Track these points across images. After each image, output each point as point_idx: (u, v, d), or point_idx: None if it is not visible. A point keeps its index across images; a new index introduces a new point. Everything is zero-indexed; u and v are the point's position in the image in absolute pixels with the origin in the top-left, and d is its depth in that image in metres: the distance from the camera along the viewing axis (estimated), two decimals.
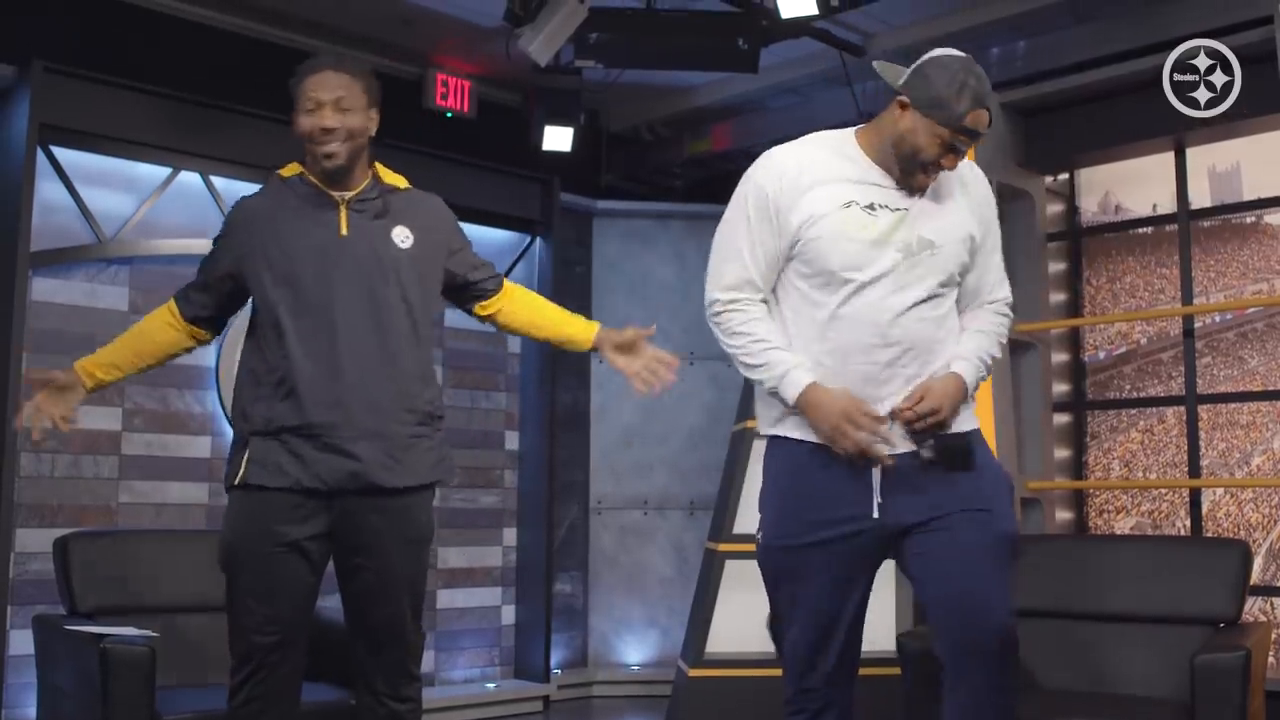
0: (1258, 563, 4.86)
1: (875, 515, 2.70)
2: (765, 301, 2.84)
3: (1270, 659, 4.47)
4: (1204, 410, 5.18)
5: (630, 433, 6.80)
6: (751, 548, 5.98)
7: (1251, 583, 3.87)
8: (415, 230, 2.98)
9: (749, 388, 5.95)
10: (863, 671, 5.72)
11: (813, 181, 2.73)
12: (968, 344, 2.72)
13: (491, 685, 6.11)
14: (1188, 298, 5.23)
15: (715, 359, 6.88)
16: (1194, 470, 5.14)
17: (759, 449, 5.74)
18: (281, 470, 2.78)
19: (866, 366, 2.65)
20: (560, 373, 6.50)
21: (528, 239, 6.42)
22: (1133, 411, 5.39)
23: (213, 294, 2.98)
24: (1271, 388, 5.03)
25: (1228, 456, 5.12)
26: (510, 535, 6.37)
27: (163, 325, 2.99)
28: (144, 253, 5.11)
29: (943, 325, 2.71)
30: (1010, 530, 2.70)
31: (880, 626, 5.41)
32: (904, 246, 2.64)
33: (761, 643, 5.69)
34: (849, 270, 2.64)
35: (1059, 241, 5.67)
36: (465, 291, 3.17)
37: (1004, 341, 2.81)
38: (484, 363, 6.32)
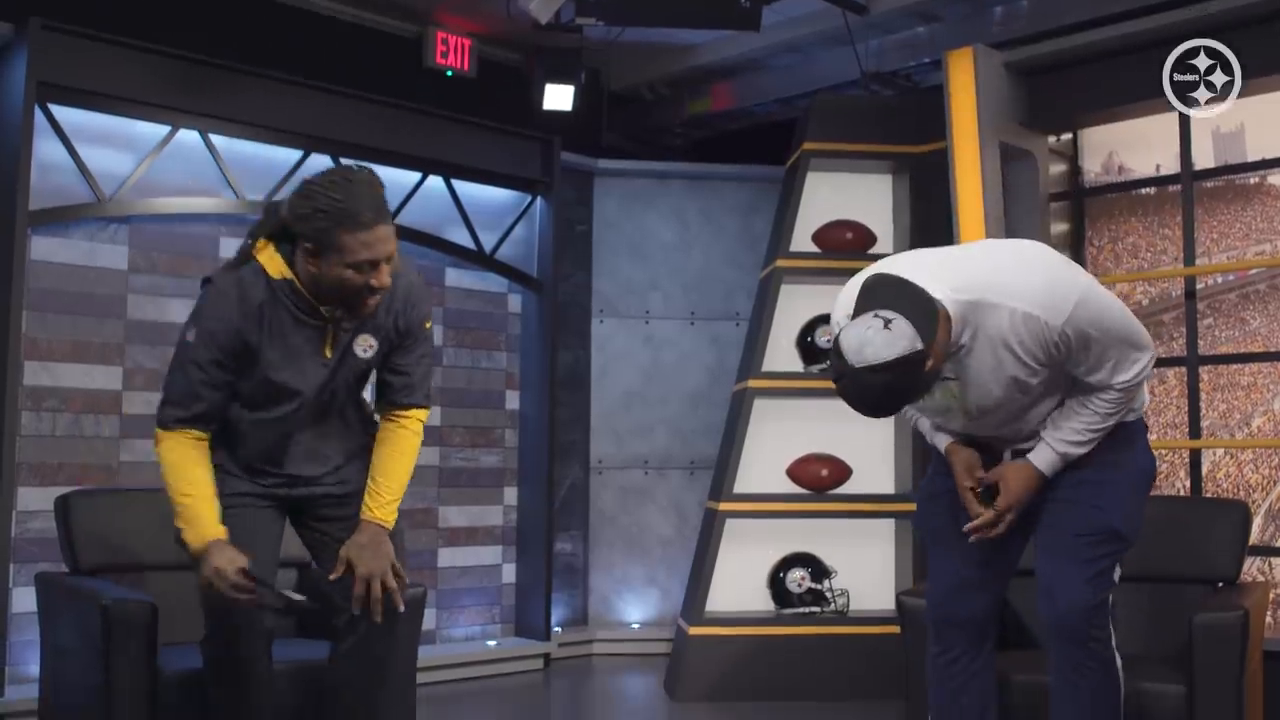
0: (1257, 523, 4.87)
1: None
2: None
3: (1268, 619, 4.49)
4: (1205, 371, 5.18)
5: (631, 393, 6.80)
6: (751, 506, 6.02)
7: (1250, 543, 3.88)
8: (378, 338, 3.00)
9: (750, 347, 5.95)
10: (864, 630, 5.78)
11: None
12: (1061, 424, 2.95)
13: (492, 643, 6.14)
14: (1190, 259, 5.22)
15: (716, 319, 6.88)
16: (1194, 431, 5.14)
17: (759, 409, 5.78)
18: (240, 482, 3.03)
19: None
20: (562, 333, 6.50)
21: (528, 198, 6.40)
22: None
23: (220, 397, 2.94)
24: (1273, 349, 5.03)
25: (1228, 418, 5.13)
26: (511, 495, 6.38)
27: (199, 453, 2.94)
28: (143, 211, 5.09)
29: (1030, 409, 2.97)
30: (1109, 523, 2.94)
31: (880, 585, 5.44)
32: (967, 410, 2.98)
33: (761, 601, 5.72)
34: None
35: (1062, 202, 5.65)
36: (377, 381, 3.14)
37: (1107, 413, 2.92)
38: (485, 323, 6.32)
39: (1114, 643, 2.96)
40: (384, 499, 3.04)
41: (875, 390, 2.64)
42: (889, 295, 2.69)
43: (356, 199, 2.78)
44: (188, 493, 2.88)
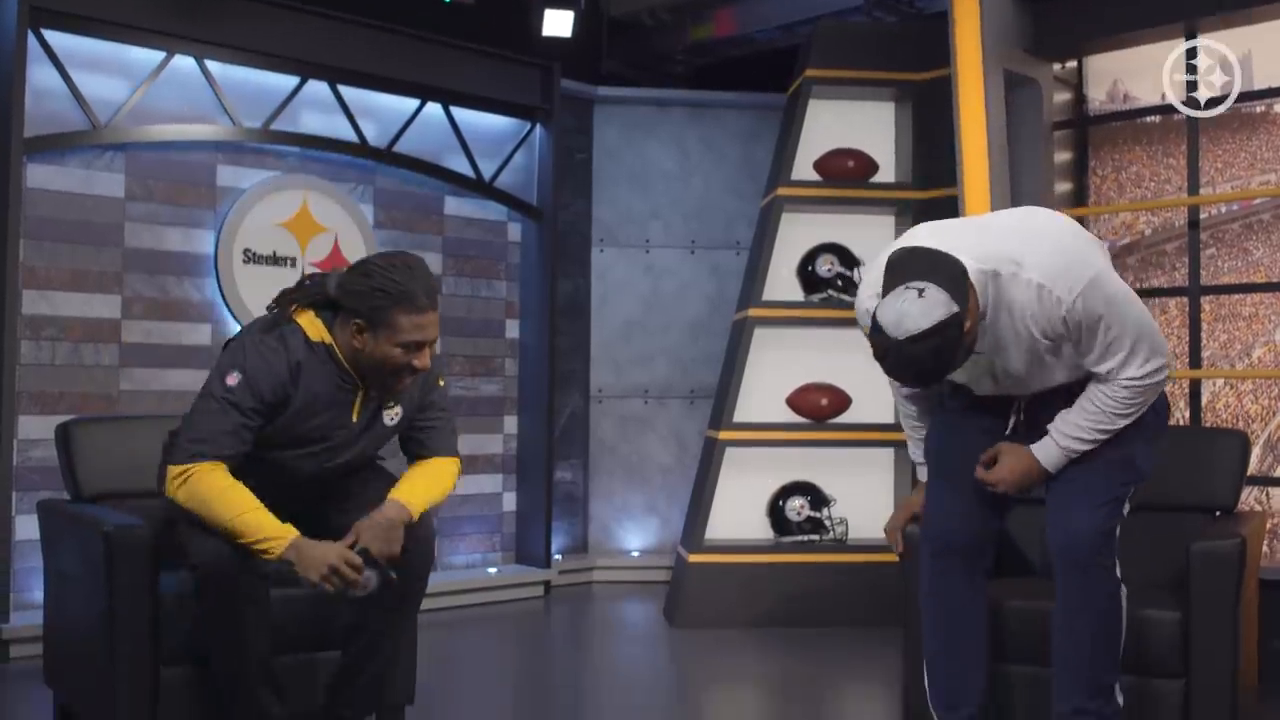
0: (1255, 453, 4.88)
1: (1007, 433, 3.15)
2: None
3: (1265, 548, 4.51)
4: (1206, 302, 5.16)
5: (631, 322, 6.79)
6: (751, 435, 6.03)
7: (1249, 473, 3.89)
8: (405, 405, 3.16)
9: (750, 276, 5.93)
10: (862, 558, 5.83)
11: None
12: (1068, 419, 2.99)
13: (493, 570, 6.19)
14: (1194, 188, 5.18)
15: (716, 248, 6.85)
16: (1194, 361, 5.14)
17: (759, 338, 5.77)
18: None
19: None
20: (561, 262, 6.47)
21: (528, 126, 6.35)
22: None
23: (251, 445, 3.00)
24: (1275, 279, 5.01)
25: (1229, 348, 5.12)
26: (511, 424, 6.39)
27: (231, 477, 2.95)
28: (139, 139, 5.05)
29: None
30: (1123, 454, 2.99)
31: (879, 514, 5.45)
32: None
33: (760, 529, 5.75)
34: None
35: (1065, 130, 5.60)
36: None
37: (1115, 413, 2.95)
38: (484, 251, 6.29)
39: (1119, 573, 2.98)
40: (416, 489, 3.13)
41: (921, 358, 2.71)
42: (917, 266, 2.75)
43: (415, 282, 2.94)
44: (241, 510, 2.91)
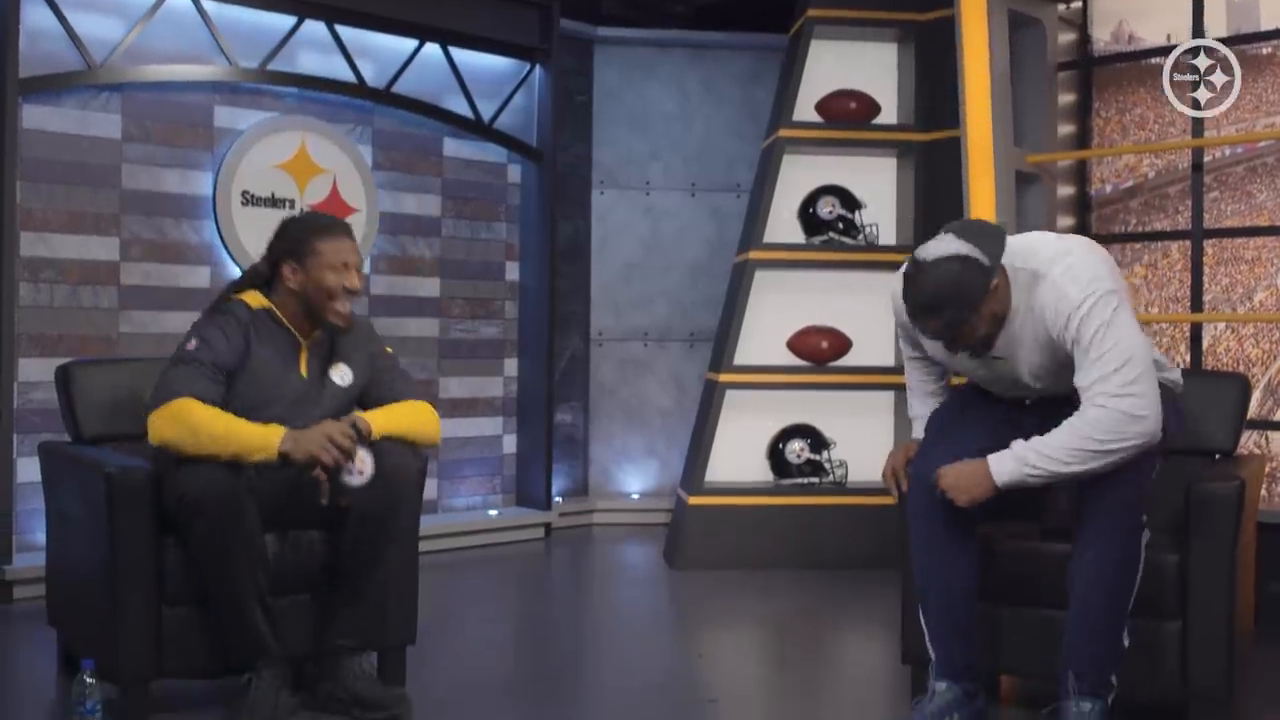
0: (1255, 397, 4.88)
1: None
2: None
3: (1263, 491, 4.52)
4: (1209, 245, 5.14)
5: (631, 265, 6.77)
6: (751, 378, 6.06)
7: (1249, 417, 3.89)
8: (354, 367, 3.42)
9: (750, 219, 5.91)
10: (862, 500, 5.85)
11: None
12: (1038, 437, 2.94)
13: (493, 513, 6.21)
14: (1198, 130, 5.15)
15: (717, 191, 6.82)
16: (1196, 305, 5.13)
17: (759, 281, 5.76)
18: None
19: None
20: (561, 204, 6.45)
21: (527, 67, 6.29)
22: (1137, 245, 5.35)
23: (217, 394, 3.19)
24: (1278, 223, 4.99)
25: (1230, 292, 5.11)
26: (511, 366, 6.39)
27: (214, 410, 3.12)
28: (135, 79, 5.01)
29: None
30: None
31: (878, 457, 5.45)
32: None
33: (760, 471, 5.77)
34: None
35: (1069, 71, 5.55)
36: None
37: (1087, 436, 2.86)
38: (484, 193, 6.26)
39: (1145, 533, 3.00)
40: (381, 413, 3.34)
41: (943, 282, 2.87)
42: (959, 225, 3.01)
43: (325, 217, 3.46)
44: (226, 422, 3.09)
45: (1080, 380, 2.89)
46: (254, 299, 3.34)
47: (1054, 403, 3.05)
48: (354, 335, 3.43)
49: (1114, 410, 2.83)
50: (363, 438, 3.16)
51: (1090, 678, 2.96)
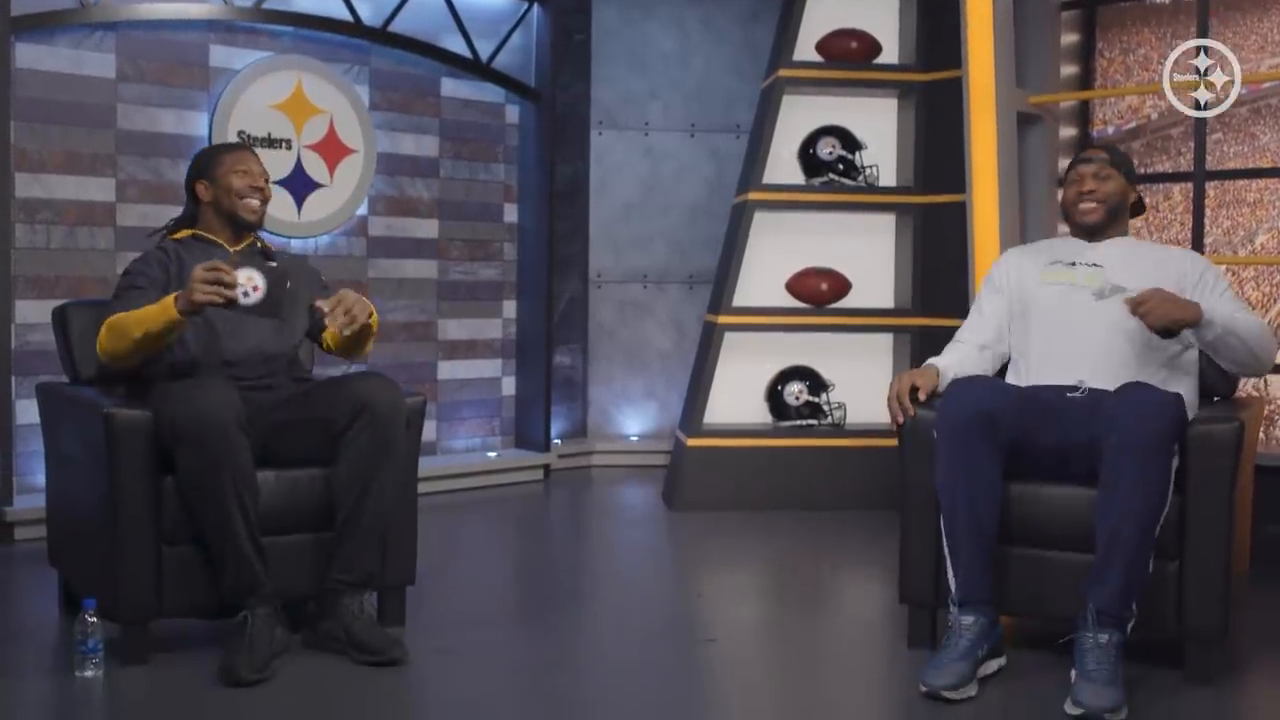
0: None
1: None
2: None
3: (1261, 435, 4.53)
4: (1211, 187, 5.12)
5: (630, 206, 6.74)
6: (750, 320, 6.04)
7: None
8: (264, 276, 3.37)
9: (750, 160, 5.87)
10: (860, 442, 5.86)
11: None
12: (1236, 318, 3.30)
13: (492, 454, 6.22)
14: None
15: (717, 132, 6.78)
16: (1197, 247, 5.10)
17: (759, 222, 5.74)
18: None
19: None
20: (560, 145, 6.41)
21: (525, 6, 6.23)
22: (1139, 188, 5.33)
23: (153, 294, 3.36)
24: None
25: (1232, 234, 5.09)
26: (510, 308, 6.38)
27: (124, 312, 3.31)
28: (129, 17, 4.95)
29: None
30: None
31: (877, 399, 5.46)
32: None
33: (758, 413, 5.78)
34: None
35: (1073, 11, 5.50)
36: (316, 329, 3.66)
37: (1250, 323, 3.33)
38: (482, 134, 6.22)
39: (1175, 459, 3.06)
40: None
41: (1123, 153, 3.60)
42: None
43: (226, 140, 3.81)
44: (133, 316, 3.25)
45: (1227, 305, 3.32)
46: (180, 234, 3.59)
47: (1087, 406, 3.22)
48: (292, 263, 3.68)
49: (1263, 327, 3.32)
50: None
51: (1113, 611, 2.98)
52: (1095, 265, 3.43)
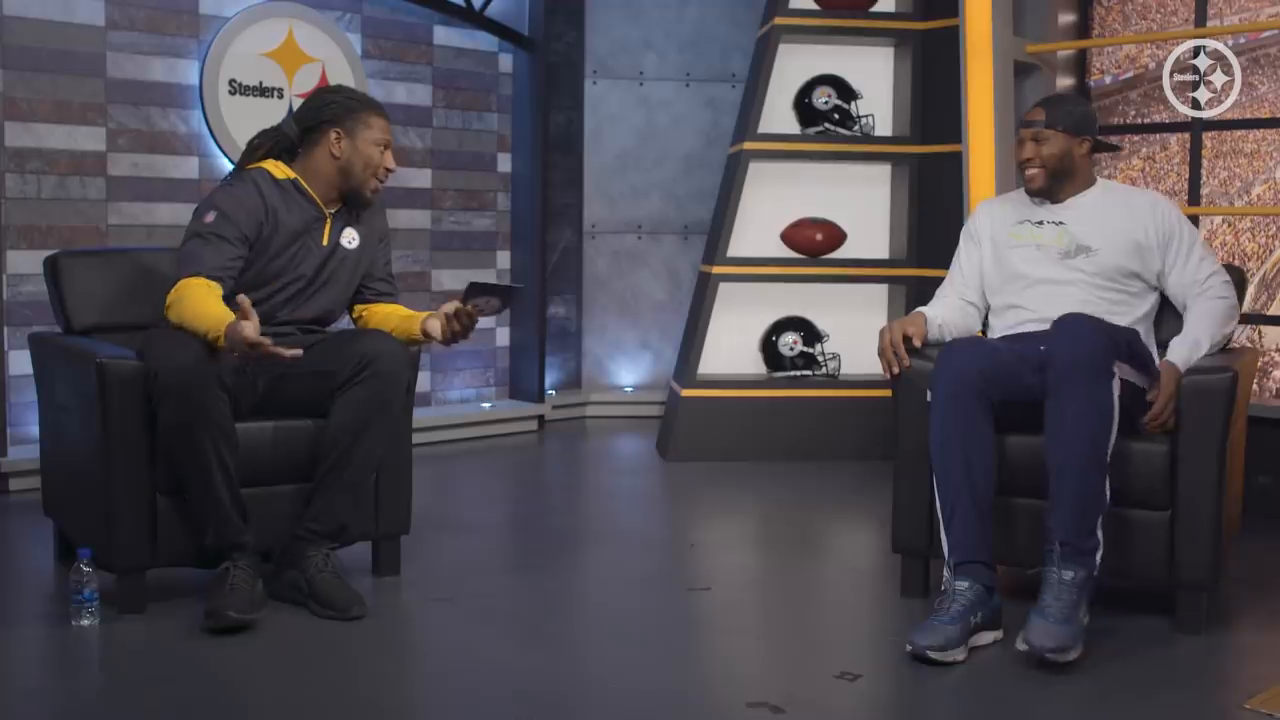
0: (1250, 291, 4.88)
1: None
2: None
3: (1254, 385, 4.53)
4: (1208, 138, 5.10)
5: (624, 156, 6.71)
6: (745, 270, 6.03)
7: (1243, 311, 3.89)
8: (360, 233, 3.47)
9: (746, 109, 5.84)
10: (854, 393, 5.87)
11: None
12: (1200, 328, 3.34)
13: (487, 405, 6.23)
14: (1201, 19, 5.07)
15: (712, 81, 6.73)
16: (1194, 198, 5.10)
17: (754, 172, 5.71)
18: None
19: None
20: (554, 94, 6.36)
21: None
22: (1135, 138, 5.31)
23: (236, 268, 3.23)
24: (1279, 115, 4.94)
25: (1228, 185, 5.07)
26: (504, 258, 6.37)
27: (209, 287, 3.12)
28: None
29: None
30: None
31: (872, 350, 5.48)
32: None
33: (753, 364, 5.78)
34: None
35: None
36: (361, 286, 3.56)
37: (1221, 297, 3.40)
38: (475, 83, 6.18)
39: (1115, 383, 3.05)
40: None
41: (1074, 98, 3.79)
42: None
43: (370, 96, 3.51)
44: (199, 307, 3.05)
45: (1197, 274, 3.39)
46: (277, 169, 3.35)
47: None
48: (371, 208, 3.50)
49: (1230, 302, 3.39)
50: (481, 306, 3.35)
51: (1073, 541, 2.96)
52: (1060, 224, 3.46)
